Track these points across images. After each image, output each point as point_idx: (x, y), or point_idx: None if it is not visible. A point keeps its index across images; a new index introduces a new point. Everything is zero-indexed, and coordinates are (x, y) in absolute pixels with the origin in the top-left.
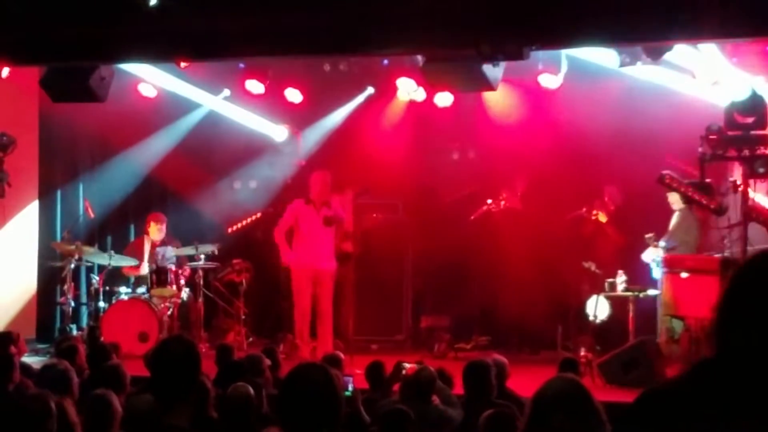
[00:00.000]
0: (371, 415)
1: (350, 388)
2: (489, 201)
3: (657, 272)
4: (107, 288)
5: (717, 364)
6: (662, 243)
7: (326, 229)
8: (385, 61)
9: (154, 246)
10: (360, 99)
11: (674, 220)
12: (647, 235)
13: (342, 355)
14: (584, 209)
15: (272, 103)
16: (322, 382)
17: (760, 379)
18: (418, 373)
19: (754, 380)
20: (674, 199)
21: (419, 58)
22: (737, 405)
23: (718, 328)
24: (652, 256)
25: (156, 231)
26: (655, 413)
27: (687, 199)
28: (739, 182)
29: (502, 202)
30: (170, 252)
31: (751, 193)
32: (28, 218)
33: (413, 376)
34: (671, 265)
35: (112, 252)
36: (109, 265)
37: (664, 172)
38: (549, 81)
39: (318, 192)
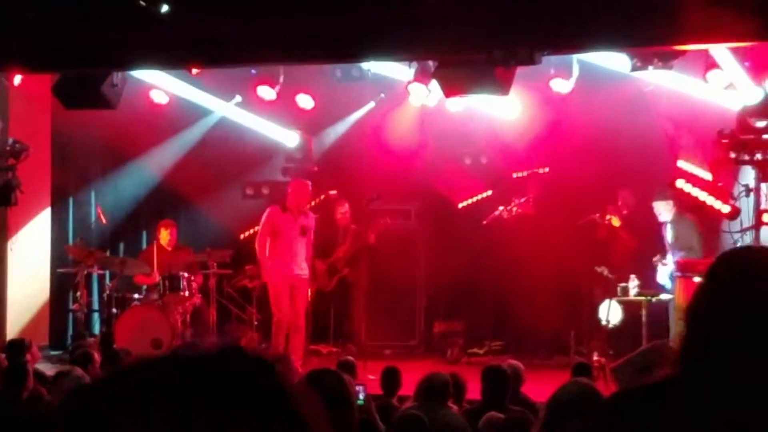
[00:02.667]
0: (386, 421)
1: (362, 396)
2: (501, 208)
3: (664, 280)
4: (120, 294)
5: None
6: (669, 258)
7: (302, 238)
8: (397, 67)
9: (165, 253)
10: (372, 104)
11: (670, 231)
12: (654, 258)
13: (354, 360)
14: (597, 214)
15: (284, 109)
16: (335, 388)
17: (722, 392)
18: (431, 378)
19: (714, 393)
20: (661, 210)
21: (431, 63)
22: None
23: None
24: (666, 275)
25: (167, 237)
26: (629, 412)
27: (699, 204)
28: (751, 186)
29: (515, 209)
30: (184, 258)
31: (764, 197)
32: (40, 225)
33: (427, 382)
34: (684, 269)
35: (125, 258)
36: (121, 272)
37: (677, 177)
38: (561, 86)
39: (296, 200)
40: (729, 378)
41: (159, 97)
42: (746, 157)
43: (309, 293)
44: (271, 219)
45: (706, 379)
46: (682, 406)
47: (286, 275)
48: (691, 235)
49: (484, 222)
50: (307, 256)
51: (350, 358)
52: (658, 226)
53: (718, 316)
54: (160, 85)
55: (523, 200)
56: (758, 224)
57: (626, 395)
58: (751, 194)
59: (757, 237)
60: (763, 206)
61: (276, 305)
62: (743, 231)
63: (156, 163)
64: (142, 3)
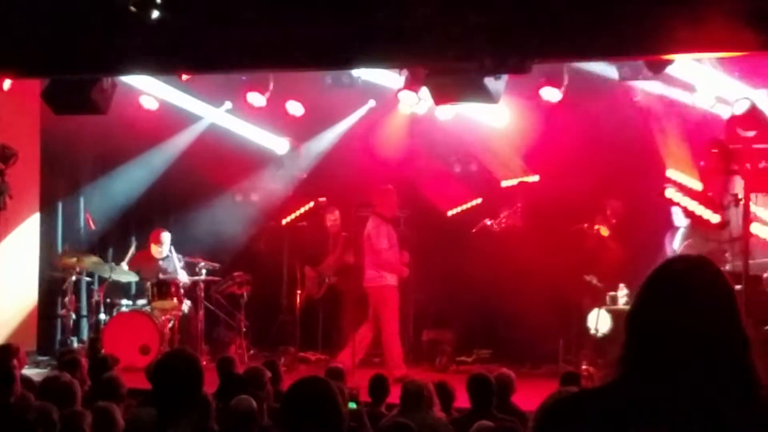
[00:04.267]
0: (374, 429)
1: (354, 402)
2: (488, 222)
3: None
4: (108, 300)
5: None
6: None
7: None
8: (388, 75)
9: (156, 260)
10: (362, 112)
11: (680, 239)
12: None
13: (344, 368)
14: (586, 224)
15: (273, 116)
16: (324, 395)
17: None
18: (406, 385)
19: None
20: (678, 215)
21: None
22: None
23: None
24: None
25: (156, 251)
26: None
27: (688, 214)
28: (740, 196)
29: (503, 222)
30: (174, 266)
31: (753, 207)
32: (29, 230)
33: (411, 388)
34: None
35: (113, 264)
36: (110, 277)
37: (667, 185)
38: (550, 94)
39: (391, 207)
40: (665, 382)
41: (149, 103)
42: (735, 167)
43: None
44: (377, 230)
45: (643, 384)
46: (620, 410)
47: (392, 284)
48: (704, 242)
49: (473, 230)
50: (372, 262)
51: (339, 365)
52: (647, 235)
53: (654, 323)
54: (149, 90)
55: (509, 213)
56: (747, 234)
57: (565, 401)
58: (740, 204)
59: (745, 247)
60: (751, 216)
61: (394, 314)
62: (732, 241)
63: (145, 169)
64: (132, 9)
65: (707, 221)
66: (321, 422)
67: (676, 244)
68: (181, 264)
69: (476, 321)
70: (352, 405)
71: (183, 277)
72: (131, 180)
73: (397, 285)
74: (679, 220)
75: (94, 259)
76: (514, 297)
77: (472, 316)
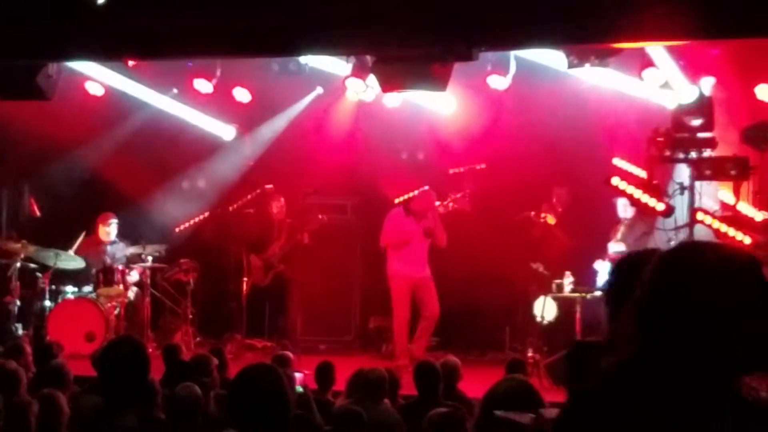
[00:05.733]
0: (322, 416)
1: (300, 386)
2: (436, 203)
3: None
4: (53, 287)
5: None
6: (615, 248)
7: (426, 240)
8: (335, 62)
9: (103, 245)
10: (309, 99)
11: (623, 228)
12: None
13: (291, 355)
14: (532, 212)
15: (220, 103)
16: (272, 382)
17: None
18: (368, 373)
19: (670, 380)
20: (624, 206)
21: (369, 58)
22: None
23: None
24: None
25: (106, 232)
26: (589, 415)
27: (633, 202)
28: (686, 184)
29: (450, 204)
30: (120, 252)
31: (698, 195)
32: None
33: (362, 377)
34: None
35: (58, 251)
36: (55, 264)
37: (612, 175)
38: (497, 82)
39: (422, 206)
40: (684, 378)
41: (95, 89)
42: (681, 155)
43: (433, 286)
44: (395, 222)
45: (664, 379)
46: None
47: (409, 276)
48: (641, 238)
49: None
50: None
51: (286, 352)
52: (593, 223)
53: (667, 317)
54: (95, 76)
55: (459, 195)
56: (692, 222)
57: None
58: (686, 192)
59: (690, 235)
60: (697, 204)
61: (398, 304)
62: (677, 229)
63: (91, 156)
64: None
65: (652, 209)
66: (268, 408)
67: (619, 234)
68: (127, 251)
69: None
70: (300, 389)
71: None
72: (76, 167)
73: (404, 275)
74: (623, 212)
75: (39, 246)
76: (461, 285)
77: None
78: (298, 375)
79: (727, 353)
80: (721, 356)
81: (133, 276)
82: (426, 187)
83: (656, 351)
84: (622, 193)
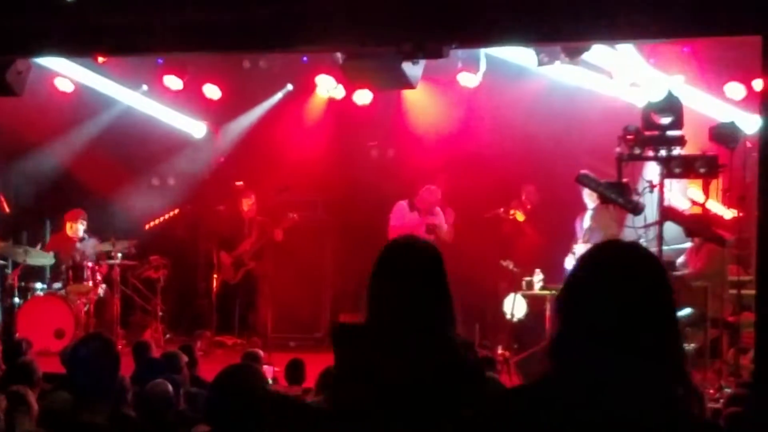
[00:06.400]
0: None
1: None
2: (404, 201)
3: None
4: (22, 284)
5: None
6: (580, 247)
7: (429, 236)
8: (305, 59)
9: (72, 241)
10: (279, 96)
11: (589, 220)
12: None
13: (261, 352)
14: (502, 209)
15: (191, 99)
16: (252, 381)
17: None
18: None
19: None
20: (589, 198)
21: (339, 55)
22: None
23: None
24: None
25: (76, 228)
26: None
27: (604, 199)
28: (655, 182)
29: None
30: (90, 249)
31: (667, 193)
32: None
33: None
34: None
35: (28, 247)
36: (24, 261)
37: (582, 171)
38: (468, 80)
39: (425, 203)
40: (604, 374)
41: (64, 85)
42: (650, 153)
43: None
44: (400, 213)
45: (583, 376)
46: (560, 405)
47: None
48: (608, 229)
49: (391, 214)
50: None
51: (257, 349)
52: (563, 221)
53: (597, 312)
54: (65, 73)
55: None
56: (662, 220)
57: (505, 398)
58: (655, 190)
59: (660, 232)
60: (666, 202)
61: None
62: (647, 226)
63: (61, 152)
64: None
65: (622, 206)
66: (249, 407)
67: (585, 224)
68: (97, 248)
69: None
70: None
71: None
72: (46, 163)
73: None
74: (589, 201)
75: (7, 242)
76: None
77: None
78: (267, 368)
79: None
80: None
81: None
82: (432, 186)
83: (563, 331)
84: (593, 190)
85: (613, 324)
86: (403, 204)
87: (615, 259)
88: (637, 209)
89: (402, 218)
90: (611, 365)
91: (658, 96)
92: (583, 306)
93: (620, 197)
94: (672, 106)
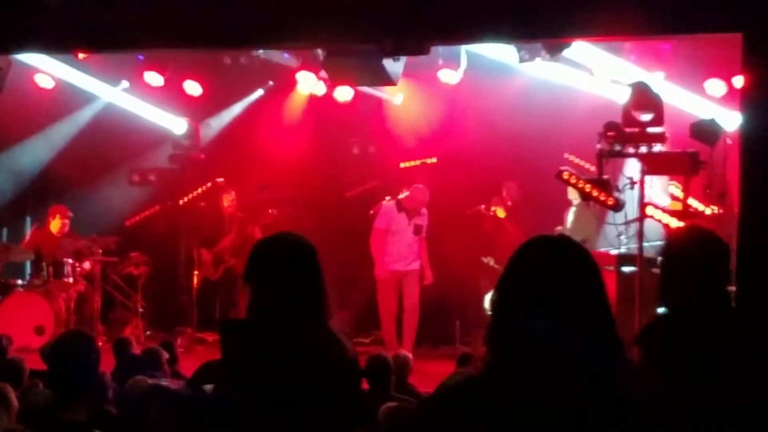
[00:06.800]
0: None
1: None
2: (387, 198)
3: None
4: (2, 280)
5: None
6: None
7: (416, 237)
8: (286, 55)
9: (55, 238)
10: (260, 92)
11: (571, 216)
12: (558, 228)
13: None
14: (483, 205)
15: (171, 96)
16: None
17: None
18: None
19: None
20: (574, 195)
21: (320, 51)
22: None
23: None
24: None
25: (59, 225)
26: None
27: (584, 196)
28: (635, 179)
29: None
30: (72, 244)
31: (648, 190)
32: None
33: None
34: None
35: (8, 244)
36: (7, 258)
37: (563, 167)
38: (449, 76)
39: (414, 203)
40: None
41: (44, 82)
42: (631, 150)
43: (419, 285)
44: (387, 216)
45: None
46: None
47: (395, 271)
48: (589, 223)
49: (372, 211)
50: (422, 253)
51: None
52: (544, 217)
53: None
54: (45, 69)
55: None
56: (642, 216)
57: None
58: (636, 187)
59: (640, 229)
60: (646, 199)
61: (383, 299)
62: (627, 223)
63: (41, 149)
64: None
65: (603, 203)
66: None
67: (568, 221)
68: (78, 245)
69: (374, 302)
70: None
71: (80, 261)
72: (26, 160)
73: (391, 269)
74: (574, 197)
75: None
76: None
77: (370, 297)
78: None
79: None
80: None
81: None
82: (420, 186)
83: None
84: (573, 187)
85: (546, 308)
86: (389, 206)
87: (544, 247)
88: (617, 206)
89: (389, 221)
90: (546, 346)
91: (638, 93)
92: (516, 292)
93: (601, 193)
94: (652, 102)
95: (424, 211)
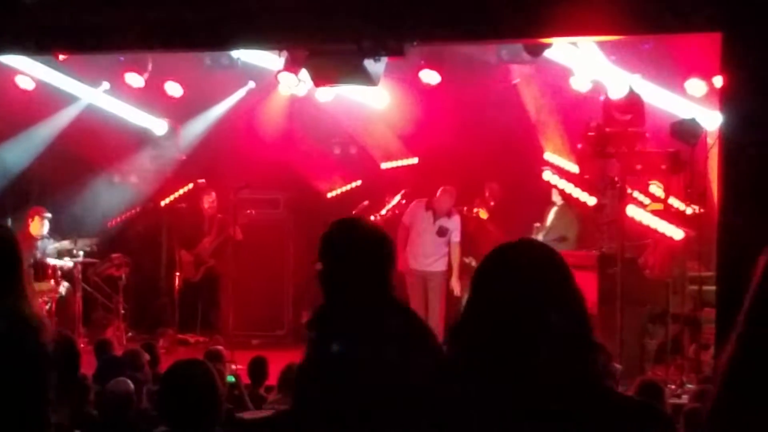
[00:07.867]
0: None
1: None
2: (365, 202)
3: None
4: None
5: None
6: (540, 238)
7: (440, 238)
8: (267, 56)
9: (34, 240)
10: (241, 93)
11: (552, 216)
12: (536, 224)
13: (223, 350)
14: (465, 207)
15: (152, 97)
16: (201, 377)
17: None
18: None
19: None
20: (556, 195)
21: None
22: None
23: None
24: None
25: (39, 226)
26: None
27: (565, 196)
28: (617, 179)
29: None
30: (51, 247)
31: (629, 190)
32: None
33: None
34: None
35: None
36: None
37: (544, 168)
38: (429, 77)
39: (440, 204)
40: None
41: (25, 83)
42: (612, 150)
43: (444, 286)
44: (412, 212)
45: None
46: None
47: (420, 271)
48: (570, 226)
49: (354, 212)
50: (451, 260)
51: (219, 347)
52: (527, 218)
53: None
54: (26, 70)
55: (397, 201)
56: (622, 217)
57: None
58: (617, 187)
59: (621, 229)
60: (627, 199)
61: (410, 293)
62: (609, 223)
63: (21, 150)
64: None
65: (584, 203)
66: (198, 404)
67: (548, 220)
68: (59, 246)
69: None
70: (231, 378)
71: (57, 260)
72: (6, 161)
73: (414, 269)
74: (557, 198)
75: None
76: (395, 279)
77: None
78: (237, 367)
79: None
80: None
81: (56, 258)
82: (448, 187)
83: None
84: (555, 188)
85: (515, 311)
86: (418, 203)
87: (512, 252)
88: (599, 206)
89: (412, 218)
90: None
91: (618, 93)
92: (485, 296)
93: (582, 194)
94: (633, 103)
95: (456, 215)
